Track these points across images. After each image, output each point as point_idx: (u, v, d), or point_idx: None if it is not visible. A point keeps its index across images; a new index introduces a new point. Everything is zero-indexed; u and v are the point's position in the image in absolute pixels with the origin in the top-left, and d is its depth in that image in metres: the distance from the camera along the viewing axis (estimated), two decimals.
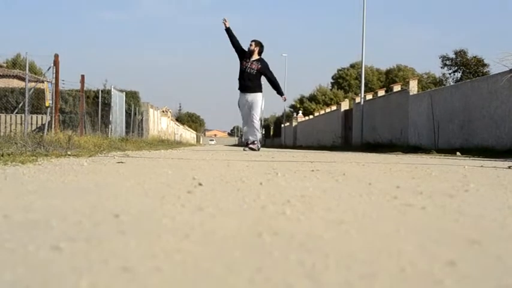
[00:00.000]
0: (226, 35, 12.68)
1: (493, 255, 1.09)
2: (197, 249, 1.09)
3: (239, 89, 12.87)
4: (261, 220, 1.46)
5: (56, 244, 1.10)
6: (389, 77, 67.39)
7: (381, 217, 1.56)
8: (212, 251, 1.08)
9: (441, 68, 38.66)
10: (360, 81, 26.55)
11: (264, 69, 12.84)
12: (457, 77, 36.94)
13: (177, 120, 65.78)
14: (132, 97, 26.47)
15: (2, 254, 1.03)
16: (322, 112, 42.31)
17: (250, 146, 12.65)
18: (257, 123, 12.88)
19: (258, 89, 12.92)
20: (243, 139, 13.99)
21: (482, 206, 1.86)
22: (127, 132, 22.53)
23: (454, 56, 37.65)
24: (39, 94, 18.23)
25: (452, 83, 33.18)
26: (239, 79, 12.81)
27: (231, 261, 1.00)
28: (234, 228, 1.33)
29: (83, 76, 16.60)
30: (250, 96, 12.77)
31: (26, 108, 14.58)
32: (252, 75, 12.75)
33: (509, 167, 4.69)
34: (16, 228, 1.29)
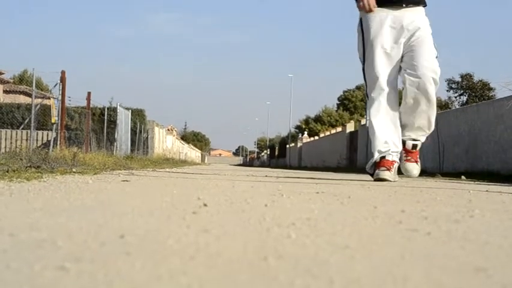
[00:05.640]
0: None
1: (499, 283, 1.08)
2: (203, 272, 1.09)
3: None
4: (266, 243, 1.46)
5: (61, 264, 1.10)
6: None
7: (386, 242, 1.55)
8: (218, 274, 1.08)
9: (447, 91, 38.81)
10: (365, 103, 26.57)
11: None
12: (463, 101, 37.00)
13: (182, 139, 65.86)
14: (138, 115, 26.57)
15: (8, 274, 1.03)
16: (327, 133, 42.33)
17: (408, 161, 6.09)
18: (432, 95, 5.85)
19: None
20: (378, 149, 5.99)
21: (488, 232, 1.85)
22: (132, 150, 22.59)
23: (460, 80, 37.75)
24: (45, 110, 18.32)
25: (458, 107, 33.18)
26: None
27: (236, 285, 1.00)
28: (240, 250, 1.33)
29: (89, 93, 16.71)
30: (408, 17, 5.46)
31: (32, 124, 14.65)
32: None
33: None
34: (22, 247, 1.30)
